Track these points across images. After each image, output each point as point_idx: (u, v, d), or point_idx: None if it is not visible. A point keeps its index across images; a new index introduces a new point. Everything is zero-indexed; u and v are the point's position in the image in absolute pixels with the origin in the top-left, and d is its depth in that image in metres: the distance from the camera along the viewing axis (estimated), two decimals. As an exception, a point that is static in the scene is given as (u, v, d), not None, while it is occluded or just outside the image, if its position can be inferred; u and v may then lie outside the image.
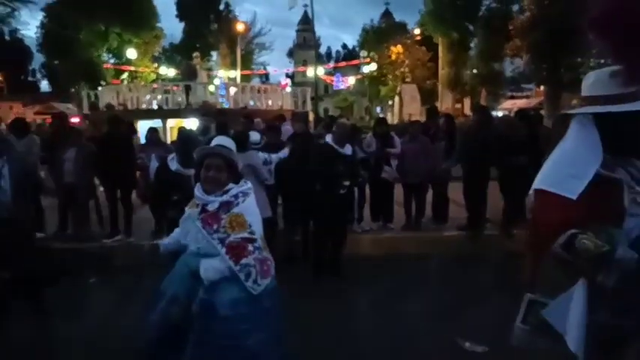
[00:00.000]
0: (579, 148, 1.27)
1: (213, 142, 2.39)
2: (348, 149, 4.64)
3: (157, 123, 11.49)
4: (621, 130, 1.22)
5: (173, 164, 3.52)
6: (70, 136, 5.82)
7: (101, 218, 6.10)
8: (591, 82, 1.29)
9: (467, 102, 37.75)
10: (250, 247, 2.12)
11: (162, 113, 13.00)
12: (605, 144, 1.23)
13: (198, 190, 2.27)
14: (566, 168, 1.29)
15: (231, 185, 2.23)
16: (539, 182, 1.35)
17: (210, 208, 2.18)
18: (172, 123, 12.08)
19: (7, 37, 46.68)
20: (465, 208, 6.06)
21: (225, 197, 2.19)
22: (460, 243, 5.68)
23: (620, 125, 1.21)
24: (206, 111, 9.64)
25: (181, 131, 4.98)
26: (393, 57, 33.97)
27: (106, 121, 6.33)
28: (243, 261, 2.09)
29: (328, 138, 4.68)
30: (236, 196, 2.20)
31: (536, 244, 1.41)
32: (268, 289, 2.18)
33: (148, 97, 14.22)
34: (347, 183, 4.53)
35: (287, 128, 6.76)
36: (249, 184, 2.34)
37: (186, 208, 2.36)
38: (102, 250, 5.59)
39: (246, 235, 2.13)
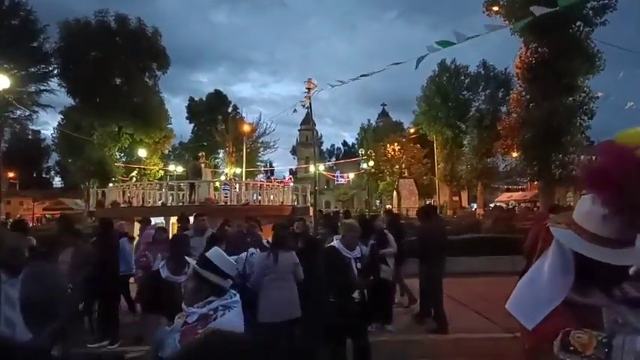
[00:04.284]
0: (552, 274, 1.27)
1: (208, 254, 2.36)
2: (357, 252, 4.24)
3: (160, 220, 11.77)
4: (598, 267, 1.19)
5: (164, 271, 3.38)
6: (68, 237, 5.57)
7: (91, 322, 5.98)
8: (585, 212, 1.23)
9: (464, 195, 38.56)
10: None
11: (166, 210, 13.30)
12: (580, 271, 1.22)
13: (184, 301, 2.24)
14: (533, 294, 1.29)
15: (213, 297, 2.16)
16: (509, 302, 1.35)
17: (190, 320, 2.12)
18: (175, 220, 12.32)
19: (29, 137, 49.52)
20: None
21: (204, 310, 2.11)
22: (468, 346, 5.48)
23: (598, 263, 1.18)
24: (204, 210, 9.78)
25: (174, 236, 4.61)
26: (389, 155, 35.44)
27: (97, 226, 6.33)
28: None
29: (336, 242, 4.25)
30: (215, 310, 2.11)
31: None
32: None
33: (153, 194, 14.67)
34: (357, 295, 4.08)
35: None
36: (237, 298, 2.25)
37: (176, 318, 2.33)
38: (87, 356, 5.39)
39: None
